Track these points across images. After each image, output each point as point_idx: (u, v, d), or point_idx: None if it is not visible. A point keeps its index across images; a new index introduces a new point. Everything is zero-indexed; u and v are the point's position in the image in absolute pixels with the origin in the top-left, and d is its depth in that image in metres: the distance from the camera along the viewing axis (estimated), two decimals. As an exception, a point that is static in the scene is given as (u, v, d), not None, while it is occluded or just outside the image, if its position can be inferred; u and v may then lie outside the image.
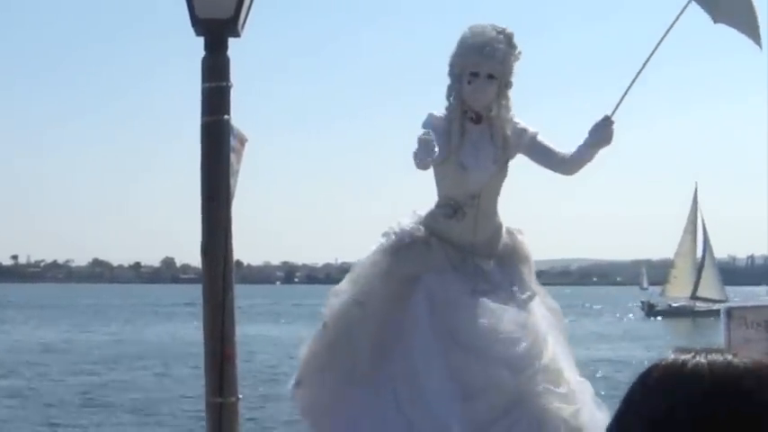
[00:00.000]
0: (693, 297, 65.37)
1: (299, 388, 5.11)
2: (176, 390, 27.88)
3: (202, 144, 6.21)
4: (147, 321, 64.46)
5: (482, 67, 4.97)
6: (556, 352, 4.98)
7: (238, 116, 6.24)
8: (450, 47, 4.99)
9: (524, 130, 5.07)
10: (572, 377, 4.98)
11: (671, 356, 1.47)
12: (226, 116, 6.17)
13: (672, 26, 5.08)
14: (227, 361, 6.09)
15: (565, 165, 5.19)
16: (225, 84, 6.17)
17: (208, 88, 6.16)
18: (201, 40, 6.19)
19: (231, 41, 6.21)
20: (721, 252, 70.05)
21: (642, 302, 78.26)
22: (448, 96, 5.06)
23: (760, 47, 5.25)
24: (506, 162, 5.08)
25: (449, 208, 5.00)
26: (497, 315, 4.96)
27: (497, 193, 5.08)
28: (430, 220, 5.04)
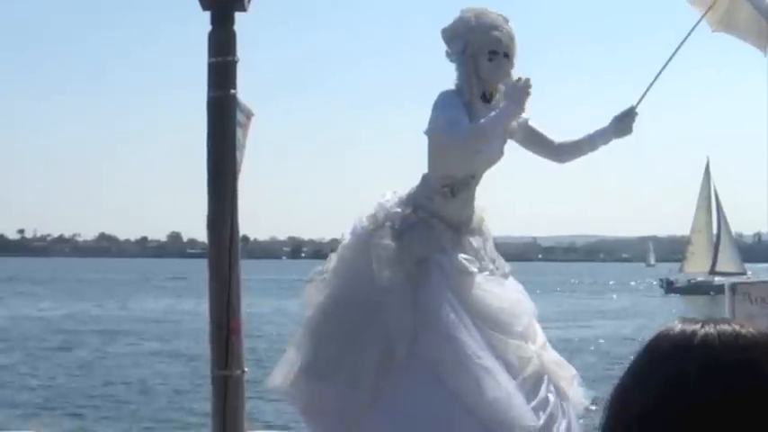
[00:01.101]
0: (712, 272, 65.23)
1: (298, 387, 4.96)
2: (173, 363, 27.99)
3: (209, 119, 6.21)
4: (131, 296, 64.58)
5: (500, 45, 4.97)
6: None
7: (245, 91, 6.24)
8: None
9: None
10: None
11: (678, 326, 1.46)
12: (232, 91, 6.16)
13: (688, 35, 5.10)
14: (232, 334, 6.12)
15: (561, 153, 5.17)
16: (231, 58, 6.16)
17: (214, 63, 6.15)
18: (208, 14, 6.19)
19: (237, 15, 6.20)
20: (714, 228, 69.85)
21: (661, 279, 78.24)
22: (464, 75, 5.00)
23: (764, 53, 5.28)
24: (505, 144, 5.10)
25: (446, 188, 4.97)
26: (506, 290, 5.00)
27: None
28: (423, 200, 4.97)
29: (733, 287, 5.35)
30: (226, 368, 6.05)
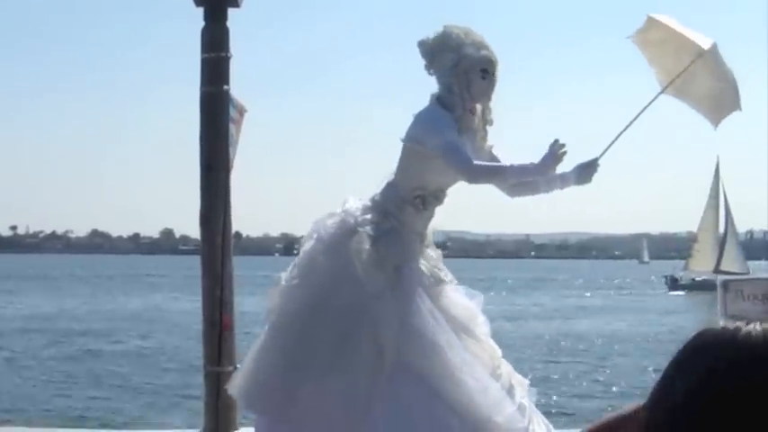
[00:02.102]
0: (716, 271, 65.48)
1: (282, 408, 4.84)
2: (161, 359, 27.96)
3: (202, 114, 6.20)
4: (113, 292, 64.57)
5: (491, 65, 4.99)
6: None
7: (238, 87, 6.22)
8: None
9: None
10: None
11: (720, 324, 1.48)
12: (225, 86, 6.15)
13: (652, 102, 5.17)
14: (225, 330, 6.10)
15: (515, 187, 5.14)
16: (224, 54, 6.15)
17: (207, 58, 6.14)
18: (201, 10, 6.18)
19: (231, 12, 6.20)
20: (720, 227, 70.44)
21: (665, 276, 78.89)
22: (456, 90, 4.98)
23: (713, 126, 5.37)
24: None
25: (418, 199, 4.96)
26: (468, 299, 5.05)
27: None
28: (392, 209, 4.94)
29: (725, 284, 5.35)
30: (218, 365, 6.05)
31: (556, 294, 68.18)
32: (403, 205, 4.92)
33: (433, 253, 5.07)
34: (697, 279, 68.67)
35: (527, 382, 5.03)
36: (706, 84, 5.28)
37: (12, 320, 40.80)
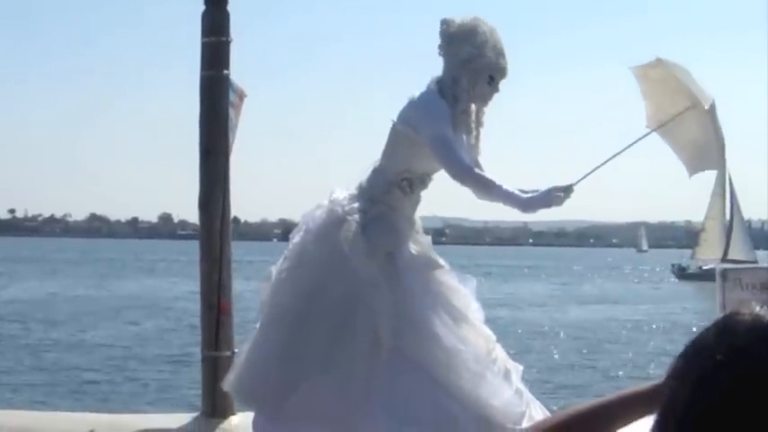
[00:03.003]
0: (724, 260, 65.51)
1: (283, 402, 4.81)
2: (158, 343, 27.98)
3: (201, 98, 6.19)
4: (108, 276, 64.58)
5: (502, 74, 4.98)
6: None
7: (238, 71, 6.21)
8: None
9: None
10: None
11: (751, 306, 1.49)
12: (225, 71, 6.15)
13: (638, 140, 5.20)
14: (223, 314, 6.11)
15: (483, 189, 5.13)
16: (224, 38, 6.15)
17: (207, 43, 6.13)
18: (201, -6, 6.17)
19: (231, -4, 6.19)
20: (726, 215, 70.78)
21: (673, 265, 79.26)
22: (462, 84, 4.94)
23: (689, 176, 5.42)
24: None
25: (405, 181, 4.95)
26: (461, 283, 5.02)
27: None
28: (380, 193, 4.92)
29: (724, 273, 5.36)
30: (216, 349, 6.05)
31: (569, 282, 68.81)
32: (390, 189, 4.89)
33: (423, 239, 5.05)
34: (705, 268, 68.73)
35: (521, 367, 5.02)
36: (694, 133, 5.30)
37: (5, 304, 40.78)
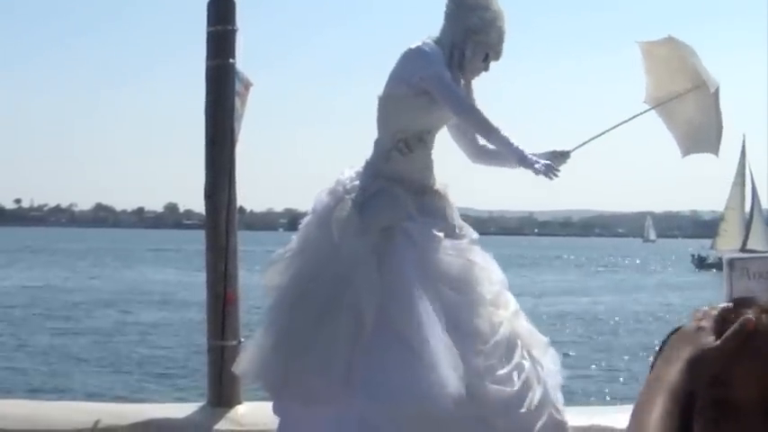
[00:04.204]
0: (743, 250, 65.74)
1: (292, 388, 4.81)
2: (159, 334, 28.03)
3: (207, 88, 6.18)
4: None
5: (497, 56, 5.02)
6: None
7: (244, 60, 6.20)
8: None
9: None
10: None
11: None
12: (231, 60, 6.13)
13: (637, 115, 5.19)
14: (229, 304, 6.11)
15: (482, 154, 5.14)
16: (231, 27, 6.13)
17: (213, 31, 6.12)
18: (207, -18, 6.16)
19: (237, -15, 6.17)
20: (719, 205, 71.23)
21: (692, 255, 79.79)
22: (461, 51, 4.95)
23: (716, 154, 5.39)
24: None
25: (401, 142, 4.93)
26: (474, 256, 4.95)
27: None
28: (380, 163, 4.91)
29: (731, 262, 5.32)
30: (222, 338, 6.05)
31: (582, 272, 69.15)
32: (389, 154, 4.89)
33: (438, 203, 4.98)
34: (722, 258, 68.90)
35: (545, 339, 4.95)
36: (693, 112, 5.29)
37: (12, 294, 40.86)
